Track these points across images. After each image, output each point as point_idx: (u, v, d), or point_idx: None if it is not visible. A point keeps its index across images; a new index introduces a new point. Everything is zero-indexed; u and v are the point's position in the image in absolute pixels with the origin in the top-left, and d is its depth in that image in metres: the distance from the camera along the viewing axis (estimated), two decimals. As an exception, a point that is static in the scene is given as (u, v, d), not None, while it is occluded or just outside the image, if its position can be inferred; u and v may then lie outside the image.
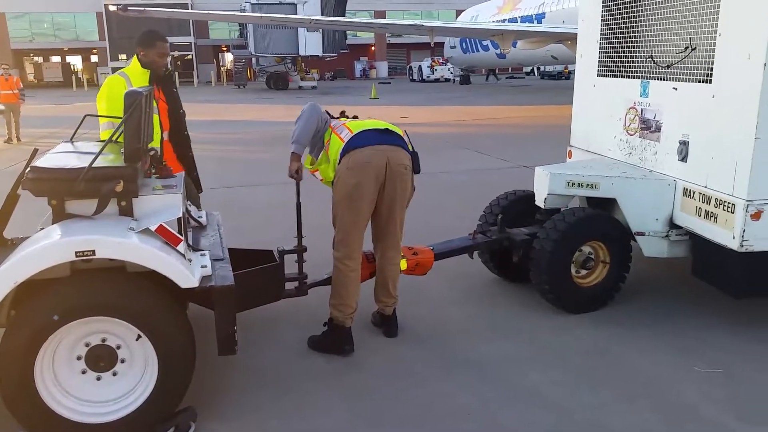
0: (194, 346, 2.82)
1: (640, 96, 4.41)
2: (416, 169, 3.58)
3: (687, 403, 3.02)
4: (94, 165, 2.70)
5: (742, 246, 3.42)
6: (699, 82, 3.78)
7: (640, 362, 3.44)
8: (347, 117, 3.77)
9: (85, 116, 3.73)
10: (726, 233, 3.51)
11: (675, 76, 4.04)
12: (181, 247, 2.80)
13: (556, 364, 3.44)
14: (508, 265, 4.53)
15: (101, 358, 2.75)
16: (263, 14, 26.68)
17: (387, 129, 3.51)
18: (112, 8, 24.30)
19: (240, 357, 3.27)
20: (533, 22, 27.93)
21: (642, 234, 4.06)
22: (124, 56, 47.30)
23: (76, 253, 2.54)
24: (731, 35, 3.48)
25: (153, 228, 2.73)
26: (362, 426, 2.91)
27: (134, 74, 3.99)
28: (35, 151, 3.12)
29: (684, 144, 3.89)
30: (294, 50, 35.79)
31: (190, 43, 48.54)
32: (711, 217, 3.64)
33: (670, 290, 4.48)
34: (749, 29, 3.33)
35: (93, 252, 2.56)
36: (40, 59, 58.73)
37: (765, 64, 3.23)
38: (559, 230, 3.99)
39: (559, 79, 40.17)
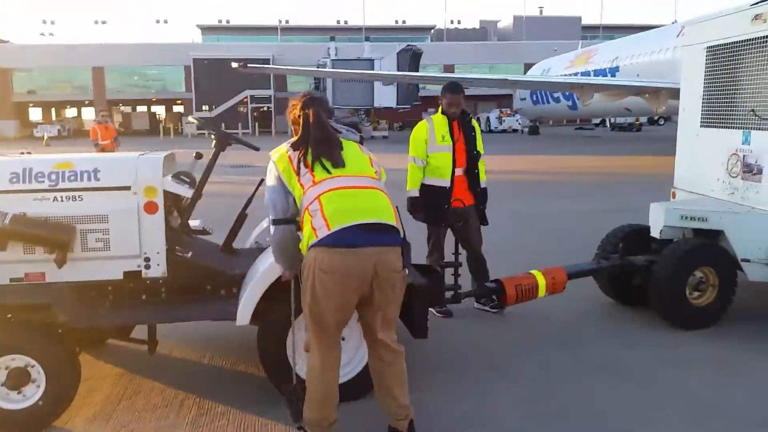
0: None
1: (743, 144, 5.07)
2: (405, 263, 2.89)
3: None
4: None
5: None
6: (800, 131, 4.43)
7: (739, 358, 4.02)
8: (313, 169, 2.87)
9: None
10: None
11: (776, 127, 4.70)
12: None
13: (680, 364, 4.07)
14: (624, 289, 5.19)
15: None
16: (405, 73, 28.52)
17: (376, 224, 2.76)
18: (234, 65, 26.88)
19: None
20: (607, 75, 28.59)
21: (747, 261, 4.67)
22: (206, 107, 50.68)
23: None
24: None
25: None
26: None
27: (437, 119, 5.02)
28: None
29: (786, 184, 4.52)
30: (369, 102, 37.64)
31: (270, 96, 51.43)
32: (814, 245, 4.24)
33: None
34: None
35: None
36: (128, 108, 63.34)
37: None
38: (676, 257, 4.66)
39: (629, 130, 40.33)
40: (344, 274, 2.70)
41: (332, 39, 45.39)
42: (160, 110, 64.66)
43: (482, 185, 5.11)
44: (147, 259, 3.52)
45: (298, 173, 2.88)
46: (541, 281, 4.61)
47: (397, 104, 37.67)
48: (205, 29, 72.88)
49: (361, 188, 2.86)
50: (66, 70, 54.33)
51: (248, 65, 23.60)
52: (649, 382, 3.83)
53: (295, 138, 3.02)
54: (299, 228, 2.91)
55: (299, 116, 3.03)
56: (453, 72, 49.65)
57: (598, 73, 29.85)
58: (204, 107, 50.95)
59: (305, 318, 2.95)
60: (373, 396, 3.11)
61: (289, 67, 35.41)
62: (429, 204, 4.98)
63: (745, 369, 4.02)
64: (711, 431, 3.26)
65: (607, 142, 31.29)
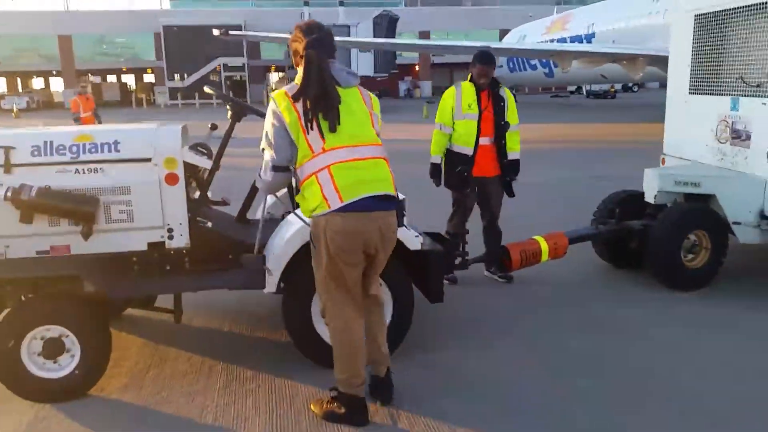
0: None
1: (731, 110, 5.27)
2: (400, 223, 3.17)
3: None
4: None
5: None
6: (788, 99, 4.64)
7: (733, 316, 4.30)
8: (320, 129, 2.96)
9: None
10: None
11: (764, 94, 4.89)
12: (405, 220, 3.78)
13: (675, 323, 4.33)
14: (620, 253, 5.43)
15: None
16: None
17: (385, 195, 3.00)
18: (216, 33, 26.33)
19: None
20: (583, 42, 28.75)
21: (738, 224, 4.91)
22: (177, 76, 49.72)
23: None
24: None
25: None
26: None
27: (465, 86, 5.05)
28: None
29: (775, 149, 4.74)
30: (346, 70, 37.23)
31: (243, 64, 50.58)
32: (801, 208, 4.49)
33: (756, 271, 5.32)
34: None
35: None
36: (98, 79, 61.75)
37: None
38: (672, 221, 4.90)
39: (605, 98, 40.71)
40: (358, 233, 2.93)
41: (306, 4, 44.59)
42: (130, 80, 63.15)
43: (513, 156, 5.11)
44: (170, 230, 3.59)
45: (306, 131, 2.95)
46: (544, 246, 4.81)
47: (375, 72, 37.35)
48: (174, -5, 70.87)
49: (368, 159, 3.02)
50: (31, 38, 52.62)
51: (230, 32, 22.94)
52: (650, 338, 4.09)
53: (297, 81, 3.04)
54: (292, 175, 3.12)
55: (301, 56, 3.06)
56: (428, 38, 49.40)
57: (574, 39, 30.00)
58: (176, 76, 50.00)
59: (320, 284, 3.11)
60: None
61: (271, 35, 34.63)
62: (451, 170, 5.07)
63: (745, 325, 4.31)
64: (715, 380, 3.51)
65: (585, 109, 31.57)
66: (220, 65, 50.36)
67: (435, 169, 5.14)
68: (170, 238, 3.60)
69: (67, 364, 3.39)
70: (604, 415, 3.17)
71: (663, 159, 6.27)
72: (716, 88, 5.47)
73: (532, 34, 35.88)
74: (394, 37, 35.80)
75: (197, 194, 3.90)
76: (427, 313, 4.26)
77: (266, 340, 4.19)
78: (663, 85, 42.62)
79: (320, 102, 2.97)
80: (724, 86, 5.38)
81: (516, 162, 5.14)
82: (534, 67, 33.84)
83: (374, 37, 34.55)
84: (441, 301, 3.85)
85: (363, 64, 36.69)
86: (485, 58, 5.01)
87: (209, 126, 4.08)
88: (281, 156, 3.03)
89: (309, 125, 2.95)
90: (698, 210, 5.02)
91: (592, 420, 3.14)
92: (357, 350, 3.10)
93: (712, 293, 4.89)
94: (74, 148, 3.45)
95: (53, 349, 3.36)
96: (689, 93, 5.81)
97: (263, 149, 3.09)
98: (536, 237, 4.87)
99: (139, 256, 3.59)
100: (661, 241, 4.90)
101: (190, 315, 4.46)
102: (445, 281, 5.08)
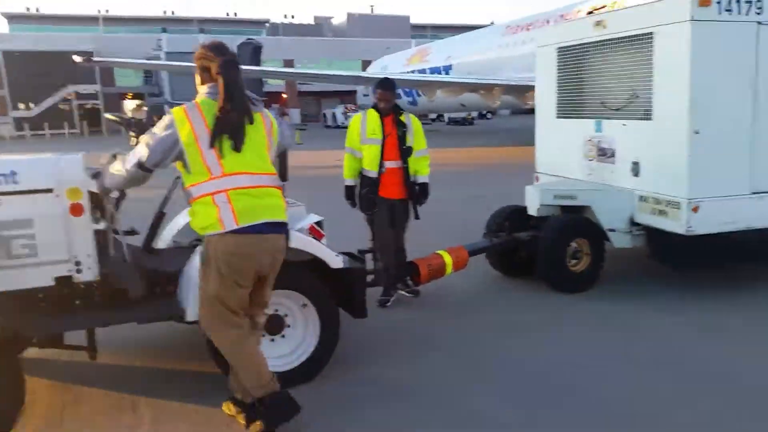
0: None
1: (595, 131, 5.96)
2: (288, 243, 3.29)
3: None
4: None
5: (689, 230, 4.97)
6: (642, 119, 5.36)
7: (618, 312, 4.88)
8: (221, 152, 3.03)
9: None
10: (676, 223, 5.05)
11: (623, 116, 5.60)
12: (324, 241, 3.91)
13: (571, 322, 4.81)
14: (511, 263, 5.90)
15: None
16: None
17: (279, 222, 3.14)
18: (78, 59, 24.49)
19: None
20: (441, 73, 30.52)
21: (613, 230, 5.55)
22: (23, 105, 45.89)
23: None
24: (664, 87, 5.08)
25: (306, 227, 3.84)
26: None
27: (370, 114, 5.20)
28: None
29: (636, 164, 5.45)
30: (211, 98, 36.46)
31: (97, 92, 47.79)
32: (663, 213, 5.19)
33: (630, 272, 6.02)
34: (675, 79, 4.94)
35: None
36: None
37: (689, 106, 4.83)
38: (556, 230, 5.44)
39: (464, 124, 43.27)
40: (252, 255, 3.05)
41: (164, 31, 43.26)
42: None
43: (422, 179, 5.29)
44: (78, 263, 3.44)
45: (202, 151, 3.01)
46: (448, 260, 5.13)
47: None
48: (13, 18, 65.44)
49: (264, 187, 3.13)
50: None
51: (92, 59, 21.83)
52: (549, 334, 4.52)
53: (198, 99, 3.12)
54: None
55: (217, 73, 3.09)
56: (293, 67, 49.75)
57: (433, 70, 31.76)
58: (20, 105, 46.11)
59: (206, 301, 3.17)
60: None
61: (143, 61, 33.13)
62: (362, 192, 5.25)
63: (626, 317, 4.88)
64: (611, 369, 3.97)
65: (448, 135, 33.31)
66: (71, 93, 47.15)
67: (348, 191, 5.32)
68: (78, 271, 3.43)
69: None
70: (523, 406, 3.48)
71: (537, 177, 6.91)
72: (581, 113, 6.17)
73: (393, 64, 37.39)
74: (258, 64, 35.69)
75: (102, 224, 3.75)
76: (348, 328, 4.37)
77: (186, 371, 4.07)
78: (514, 112, 45.63)
79: (234, 121, 3.04)
80: (588, 110, 6.08)
81: (424, 185, 5.35)
82: (398, 97, 35.15)
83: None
84: (365, 317, 3.99)
85: (228, 91, 36.11)
86: (384, 83, 5.26)
87: (111, 155, 3.97)
88: (153, 159, 3.09)
89: (211, 143, 3.00)
90: (578, 220, 5.61)
91: (515, 410, 3.43)
92: (253, 355, 3.21)
93: (597, 294, 5.46)
94: None
95: None
96: (557, 117, 6.49)
97: (136, 144, 3.16)
98: (439, 251, 5.19)
99: (46, 292, 3.39)
100: (548, 250, 5.41)
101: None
102: (408, 294, 5.31)
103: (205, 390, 3.72)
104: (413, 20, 70.81)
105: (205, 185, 3.02)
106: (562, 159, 6.48)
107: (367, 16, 69.78)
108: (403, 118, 5.24)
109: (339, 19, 73.21)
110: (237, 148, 3.03)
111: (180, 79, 35.76)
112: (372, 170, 5.18)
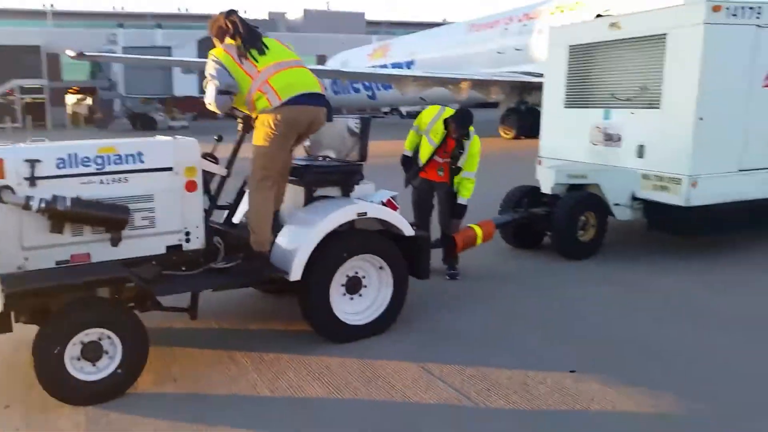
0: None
1: (604, 119, 6.60)
2: (329, 118, 4.12)
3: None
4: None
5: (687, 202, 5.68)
6: (650, 108, 6.03)
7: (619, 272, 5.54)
8: (254, 58, 3.89)
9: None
10: (676, 197, 5.75)
11: (632, 106, 6.25)
12: (398, 212, 4.39)
13: (587, 282, 5.44)
14: (524, 237, 6.50)
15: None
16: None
17: (315, 93, 3.95)
18: (71, 54, 23.96)
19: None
20: (404, 68, 31.08)
21: (618, 205, 6.23)
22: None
23: (357, 213, 4.06)
24: (674, 80, 5.75)
25: (384, 201, 4.32)
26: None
27: (440, 122, 5.47)
28: None
29: (641, 147, 6.12)
30: (168, 91, 36.03)
31: (43, 86, 46.20)
32: (664, 189, 5.88)
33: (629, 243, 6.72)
34: (685, 74, 5.62)
35: (365, 213, 4.08)
36: None
37: (697, 96, 5.52)
38: (569, 205, 6.08)
39: (420, 118, 43.91)
40: (295, 122, 3.92)
41: (120, 26, 42.31)
42: None
43: (461, 201, 5.47)
44: (187, 233, 3.83)
45: (241, 64, 3.85)
46: (479, 231, 5.66)
47: (200, 93, 36.37)
48: (-50, 10, 62.34)
49: (296, 67, 4.00)
50: None
51: (84, 54, 22.17)
52: (567, 294, 5.13)
53: (230, 40, 3.92)
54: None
55: (227, 24, 3.95)
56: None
57: (395, 65, 32.22)
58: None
59: (258, 168, 3.97)
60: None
61: (129, 56, 32.45)
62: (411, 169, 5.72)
63: (629, 277, 5.56)
64: (616, 319, 4.59)
65: (407, 128, 33.90)
66: (12, 87, 45.41)
67: (405, 160, 5.82)
68: (187, 241, 3.83)
69: (105, 366, 3.42)
70: (548, 340, 4.06)
71: (539, 160, 7.51)
72: (589, 103, 6.79)
73: (354, 59, 37.68)
74: (218, 59, 35.35)
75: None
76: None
77: (268, 330, 4.46)
78: (475, 105, 46.45)
79: (252, 39, 3.91)
80: (597, 101, 6.71)
81: (461, 207, 5.51)
82: (357, 90, 35.52)
83: (199, 58, 33.85)
84: (428, 278, 4.50)
85: (186, 84, 35.72)
86: (461, 121, 5.30)
87: (215, 138, 4.35)
88: (224, 82, 3.86)
89: (242, 59, 3.85)
90: (587, 195, 6.27)
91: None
92: (270, 217, 4.08)
93: (602, 259, 6.15)
94: (99, 160, 3.58)
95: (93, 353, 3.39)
96: (565, 107, 7.10)
97: (206, 84, 3.93)
98: (471, 225, 5.71)
99: (159, 259, 3.76)
100: (562, 222, 6.04)
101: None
102: (447, 278, 5.64)
103: (291, 342, 4.14)
104: (368, 17, 71.25)
105: (252, 87, 3.85)
106: (568, 144, 7.08)
107: (322, 12, 69.80)
108: (465, 140, 5.34)
109: (293, 14, 72.92)
110: (262, 51, 3.90)
111: (135, 73, 35.14)
112: (421, 160, 5.64)
